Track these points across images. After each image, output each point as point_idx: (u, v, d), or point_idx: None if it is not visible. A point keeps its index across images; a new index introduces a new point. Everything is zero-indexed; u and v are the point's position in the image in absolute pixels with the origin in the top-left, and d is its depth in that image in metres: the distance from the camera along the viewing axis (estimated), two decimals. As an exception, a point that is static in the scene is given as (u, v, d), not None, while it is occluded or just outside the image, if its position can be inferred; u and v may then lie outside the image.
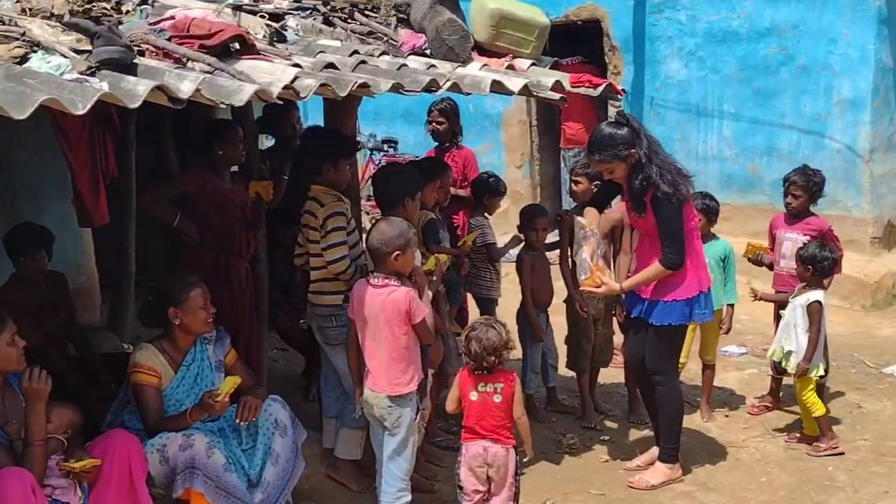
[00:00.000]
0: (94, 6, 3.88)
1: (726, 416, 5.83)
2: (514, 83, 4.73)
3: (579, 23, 10.07)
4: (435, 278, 4.70)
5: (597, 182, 5.34)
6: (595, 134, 4.63)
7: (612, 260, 5.44)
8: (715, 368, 5.87)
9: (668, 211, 4.53)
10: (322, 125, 5.40)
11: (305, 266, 4.79)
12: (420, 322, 4.14)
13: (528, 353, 5.76)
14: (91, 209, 4.96)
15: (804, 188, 5.65)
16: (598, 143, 4.58)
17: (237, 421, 4.13)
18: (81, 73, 3.13)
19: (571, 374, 5.89)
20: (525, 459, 4.33)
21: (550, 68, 5.32)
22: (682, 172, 4.62)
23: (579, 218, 4.97)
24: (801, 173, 5.72)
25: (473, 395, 4.14)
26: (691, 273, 4.68)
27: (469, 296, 6.11)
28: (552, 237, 5.83)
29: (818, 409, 5.27)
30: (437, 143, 6.60)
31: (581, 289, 4.90)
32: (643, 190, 4.54)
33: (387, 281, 4.12)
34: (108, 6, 4.00)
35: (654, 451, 5.07)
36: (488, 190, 5.97)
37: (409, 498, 4.27)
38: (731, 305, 5.72)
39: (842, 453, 5.19)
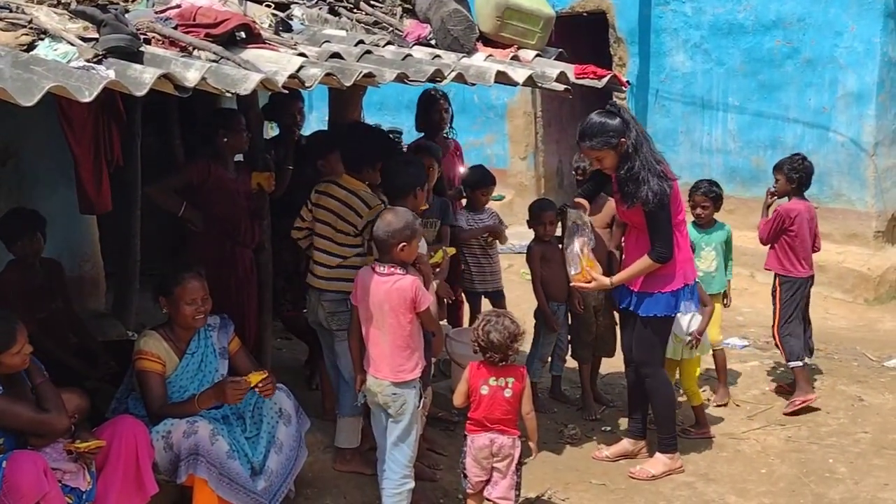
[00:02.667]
0: (101, -6, 3.89)
1: (725, 404, 5.85)
2: (519, 74, 4.73)
3: (585, 14, 10.07)
4: (439, 270, 4.73)
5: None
6: (587, 122, 4.66)
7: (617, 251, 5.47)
8: (724, 351, 5.98)
9: (657, 207, 4.57)
10: (368, 121, 5.40)
11: (301, 241, 4.80)
12: (425, 310, 4.16)
13: (539, 341, 5.79)
14: (92, 196, 4.98)
15: (783, 172, 5.85)
16: (590, 130, 4.61)
17: (259, 392, 4.17)
18: (88, 61, 3.14)
19: (574, 364, 5.91)
20: (531, 457, 4.35)
21: (555, 59, 5.32)
22: (660, 173, 4.59)
23: (571, 210, 4.93)
24: (788, 158, 5.96)
25: (484, 389, 4.15)
26: (678, 266, 4.74)
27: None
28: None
29: (696, 399, 5.49)
30: (424, 134, 6.30)
31: (572, 284, 4.94)
32: (630, 180, 4.58)
33: (392, 269, 4.14)
34: (115, -6, 4.01)
35: (625, 443, 5.13)
36: (470, 182, 6.00)
37: (412, 485, 4.29)
38: (728, 281, 5.93)
39: (711, 437, 5.38)
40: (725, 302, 5.92)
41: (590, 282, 4.80)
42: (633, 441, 5.12)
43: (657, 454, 4.98)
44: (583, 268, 4.76)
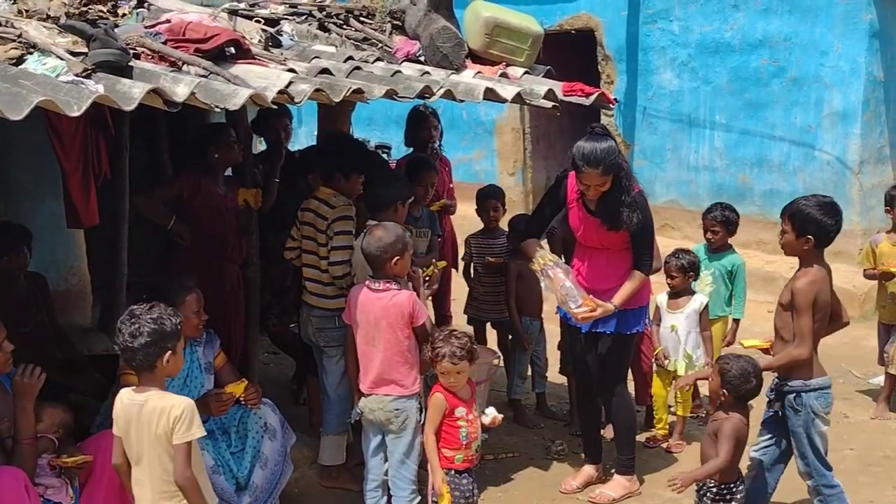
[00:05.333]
0: (90, 9, 3.91)
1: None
2: (508, 91, 4.76)
3: (573, 32, 10.13)
4: (431, 282, 4.76)
5: None
6: (591, 148, 4.35)
7: None
8: None
9: (647, 223, 4.58)
10: (345, 132, 5.42)
11: (294, 260, 4.81)
12: (421, 325, 4.16)
13: (515, 358, 5.80)
14: (80, 210, 4.96)
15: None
16: (600, 155, 4.33)
17: (245, 404, 4.17)
18: (77, 75, 3.15)
19: (563, 380, 5.91)
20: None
21: (543, 76, 5.35)
22: (639, 191, 4.60)
23: (540, 250, 4.69)
24: None
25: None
26: (647, 280, 4.76)
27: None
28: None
29: (687, 409, 5.57)
30: (413, 149, 6.26)
31: (581, 317, 4.56)
32: (629, 206, 4.46)
33: (387, 285, 4.14)
34: (105, 9, 4.03)
35: (588, 469, 5.00)
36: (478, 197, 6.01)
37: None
38: (737, 321, 5.79)
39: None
40: (725, 340, 5.77)
41: (594, 310, 4.53)
42: (595, 466, 5.03)
43: (616, 476, 4.92)
44: (584, 298, 4.54)
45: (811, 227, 4.03)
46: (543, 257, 4.62)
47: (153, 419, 3.24)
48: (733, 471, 4.04)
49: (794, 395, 4.11)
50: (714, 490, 4.03)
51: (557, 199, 4.77)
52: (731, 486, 4.03)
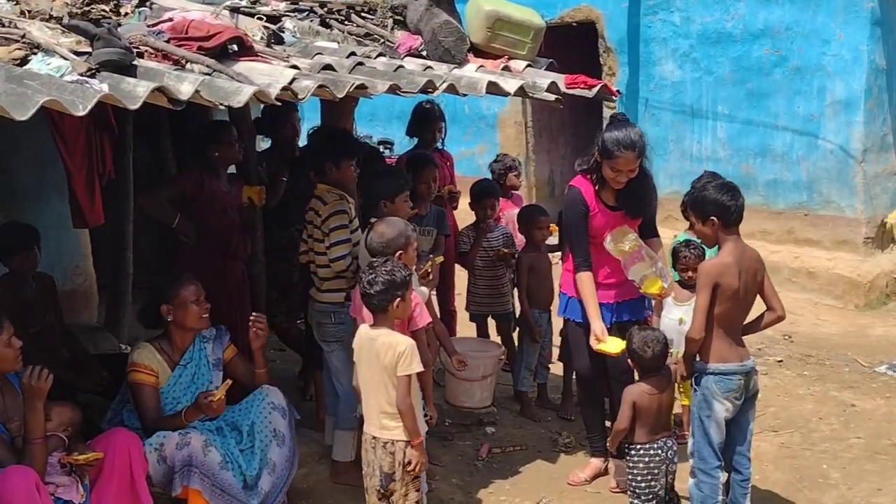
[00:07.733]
0: (92, 8, 3.90)
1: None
2: (510, 84, 4.76)
3: (574, 24, 10.12)
4: (431, 279, 4.75)
5: None
6: (626, 133, 4.42)
7: None
8: None
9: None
10: (360, 132, 5.40)
11: (310, 263, 4.82)
12: (419, 329, 4.15)
13: (524, 350, 5.81)
14: (86, 210, 4.98)
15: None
16: (640, 141, 4.45)
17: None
18: (81, 75, 3.15)
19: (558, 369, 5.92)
20: None
21: (545, 69, 5.35)
22: None
23: (632, 232, 4.58)
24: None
25: None
26: None
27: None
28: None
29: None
30: (417, 146, 6.23)
31: (670, 297, 4.83)
32: (652, 189, 4.62)
33: None
34: (107, 8, 4.02)
35: (596, 462, 4.99)
36: (474, 193, 6.00)
37: (427, 489, 4.28)
38: None
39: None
40: None
41: (670, 293, 4.72)
42: (603, 458, 5.01)
43: None
44: (670, 278, 4.59)
45: (710, 207, 4.06)
46: (637, 240, 4.54)
47: (382, 352, 3.83)
48: (639, 433, 4.32)
49: (697, 375, 4.17)
50: (626, 447, 4.40)
51: (584, 213, 4.62)
52: (638, 445, 4.33)
